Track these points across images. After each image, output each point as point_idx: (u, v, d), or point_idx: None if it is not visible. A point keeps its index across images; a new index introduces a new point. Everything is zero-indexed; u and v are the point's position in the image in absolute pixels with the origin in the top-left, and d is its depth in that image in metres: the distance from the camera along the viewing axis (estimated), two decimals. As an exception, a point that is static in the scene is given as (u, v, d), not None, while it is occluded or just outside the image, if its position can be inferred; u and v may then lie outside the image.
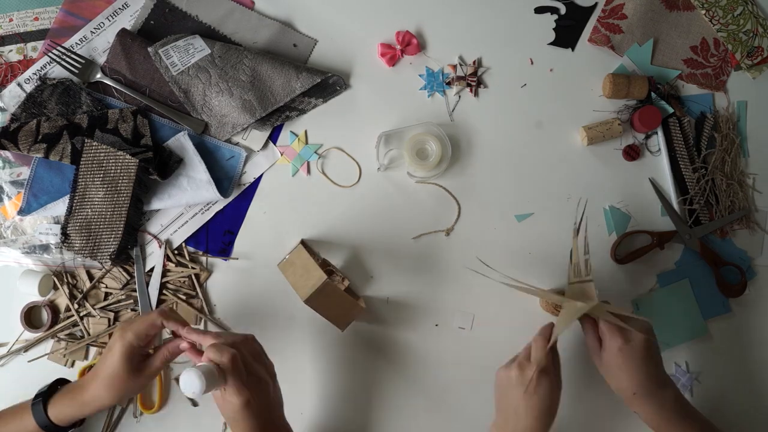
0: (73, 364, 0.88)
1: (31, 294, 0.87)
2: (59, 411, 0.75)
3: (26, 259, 0.89)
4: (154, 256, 0.90)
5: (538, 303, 0.91)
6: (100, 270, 0.89)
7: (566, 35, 0.96)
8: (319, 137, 0.93)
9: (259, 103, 0.89)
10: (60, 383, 0.80)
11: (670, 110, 0.94)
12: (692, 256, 0.93)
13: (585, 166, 0.94)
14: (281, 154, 0.93)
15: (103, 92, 0.91)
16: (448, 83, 0.94)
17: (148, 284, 0.89)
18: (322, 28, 0.95)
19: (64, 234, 0.86)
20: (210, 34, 0.92)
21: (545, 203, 0.93)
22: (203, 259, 0.91)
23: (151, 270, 0.90)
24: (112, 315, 0.89)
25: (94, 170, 0.86)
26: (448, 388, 0.90)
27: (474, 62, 0.95)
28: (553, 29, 0.96)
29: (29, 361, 0.88)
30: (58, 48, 0.90)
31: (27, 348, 0.89)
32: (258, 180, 0.92)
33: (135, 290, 0.89)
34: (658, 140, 0.94)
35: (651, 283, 0.93)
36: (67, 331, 0.89)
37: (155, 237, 0.90)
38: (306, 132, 0.93)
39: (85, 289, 0.89)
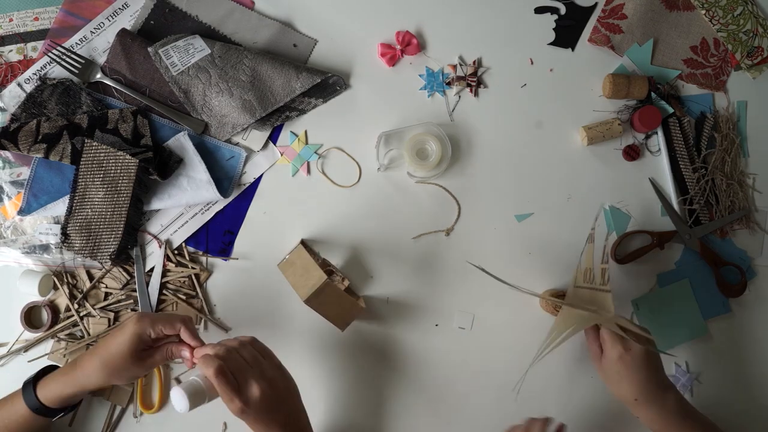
0: (73, 364, 0.88)
1: (31, 294, 0.87)
2: (49, 390, 0.76)
3: (26, 259, 0.89)
4: (154, 256, 0.90)
5: (537, 303, 0.91)
6: (100, 270, 0.89)
7: (566, 35, 0.96)
8: (319, 137, 0.93)
9: (259, 103, 0.89)
10: (51, 369, 0.80)
11: (670, 110, 0.94)
12: (692, 256, 0.93)
13: (585, 166, 0.94)
14: (281, 154, 0.93)
15: (103, 92, 0.91)
16: (448, 83, 0.94)
17: (148, 284, 0.89)
18: (322, 28, 0.95)
19: (64, 234, 0.86)
20: (210, 34, 0.92)
21: (545, 203, 0.93)
22: (203, 259, 0.91)
23: (151, 270, 0.90)
24: (112, 315, 0.89)
25: (94, 170, 0.86)
26: (448, 388, 0.90)
27: (474, 62, 0.95)
28: (553, 29, 0.96)
29: (29, 361, 0.88)
30: (58, 48, 0.90)
31: (27, 348, 0.89)
32: (258, 180, 0.92)
33: (135, 290, 0.89)
34: (658, 140, 0.94)
35: (651, 283, 0.92)
36: (67, 331, 0.89)
37: (155, 237, 0.90)
38: (306, 132, 0.93)
39: (85, 289, 0.89)
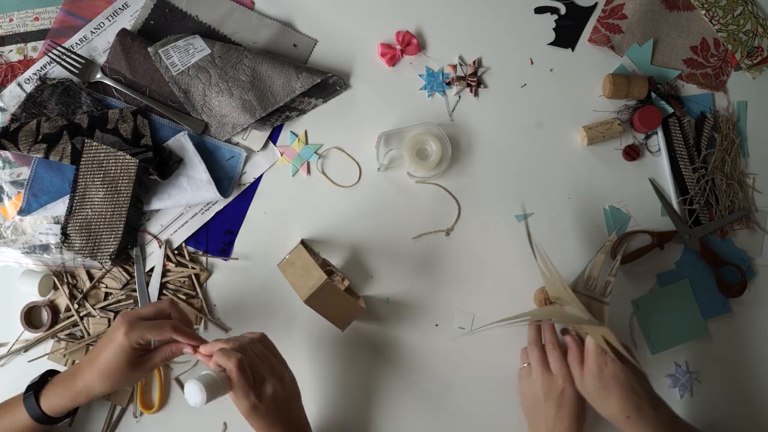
0: (73, 364, 0.88)
1: (31, 294, 0.87)
2: (51, 402, 0.75)
3: (26, 259, 0.89)
4: (154, 256, 0.90)
5: (532, 300, 0.91)
6: (100, 270, 0.89)
7: (566, 35, 0.96)
8: (319, 137, 0.93)
9: (259, 103, 0.89)
10: (50, 374, 0.79)
11: (670, 110, 0.94)
12: (692, 256, 0.93)
13: (585, 166, 0.94)
14: (281, 154, 0.93)
15: (103, 92, 0.91)
16: (448, 83, 0.94)
17: (148, 284, 0.89)
18: (322, 28, 0.95)
19: (64, 234, 0.86)
20: (210, 34, 0.92)
21: (545, 203, 0.93)
22: (203, 259, 0.91)
23: (151, 270, 0.90)
24: (112, 315, 0.89)
25: (94, 170, 0.86)
26: (448, 388, 0.90)
27: (474, 62, 0.95)
28: (553, 29, 0.96)
29: (29, 361, 0.88)
30: (58, 48, 0.90)
31: (27, 348, 0.89)
32: (258, 180, 0.92)
33: (135, 290, 0.89)
34: (658, 140, 0.94)
35: (651, 283, 0.92)
36: (67, 331, 0.89)
37: (155, 237, 0.90)
38: (306, 132, 0.93)
39: (85, 289, 0.89)
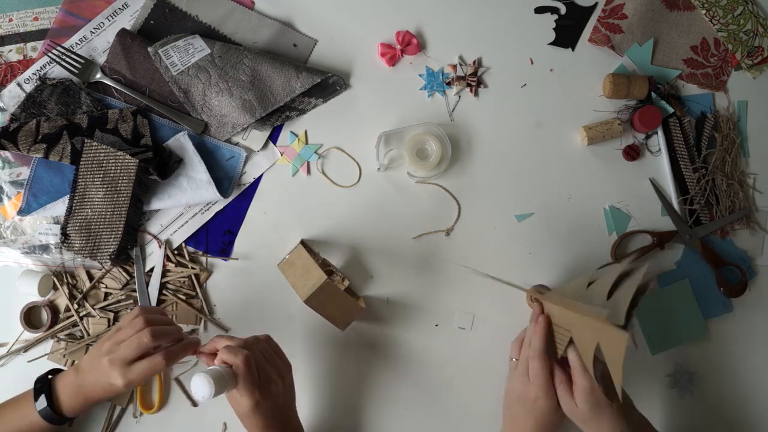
0: (73, 365, 0.88)
1: (31, 294, 0.87)
2: (61, 403, 0.76)
3: (26, 259, 0.89)
4: (154, 256, 0.90)
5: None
6: (100, 270, 0.89)
7: (566, 35, 0.96)
8: (319, 137, 0.93)
9: (259, 103, 0.89)
10: (53, 373, 0.80)
11: (671, 110, 0.93)
12: (693, 256, 0.93)
13: (585, 166, 0.94)
14: (281, 154, 0.92)
15: (103, 92, 0.91)
16: (448, 83, 0.94)
17: (147, 284, 0.89)
18: (322, 28, 0.95)
19: (64, 234, 0.86)
20: (210, 34, 0.92)
21: (545, 203, 0.93)
22: (203, 259, 0.91)
23: (151, 270, 0.90)
24: (111, 315, 0.89)
25: (94, 170, 0.86)
26: (448, 388, 0.90)
27: (474, 62, 0.95)
28: (553, 29, 0.96)
29: (29, 361, 0.88)
30: (58, 48, 0.90)
31: (27, 348, 0.89)
32: (258, 180, 0.92)
33: (135, 290, 0.89)
34: (659, 140, 0.94)
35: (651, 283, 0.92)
36: (66, 332, 0.88)
37: (155, 237, 0.90)
38: (306, 132, 0.93)
39: (84, 289, 0.89)
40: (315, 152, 0.93)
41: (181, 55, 0.88)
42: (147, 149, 0.88)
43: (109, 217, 0.86)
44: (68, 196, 0.87)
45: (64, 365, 0.88)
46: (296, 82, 0.89)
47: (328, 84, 0.93)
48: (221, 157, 0.91)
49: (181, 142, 0.90)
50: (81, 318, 0.88)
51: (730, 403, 0.92)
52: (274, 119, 0.92)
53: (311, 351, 0.90)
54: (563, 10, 0.96)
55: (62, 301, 0.89)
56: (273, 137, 0.93)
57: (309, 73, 0.90)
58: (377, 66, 0.94)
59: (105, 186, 0.85)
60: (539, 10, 0.96)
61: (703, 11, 0.96)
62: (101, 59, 0.91)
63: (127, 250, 0.88)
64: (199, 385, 0.68)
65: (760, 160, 0.95)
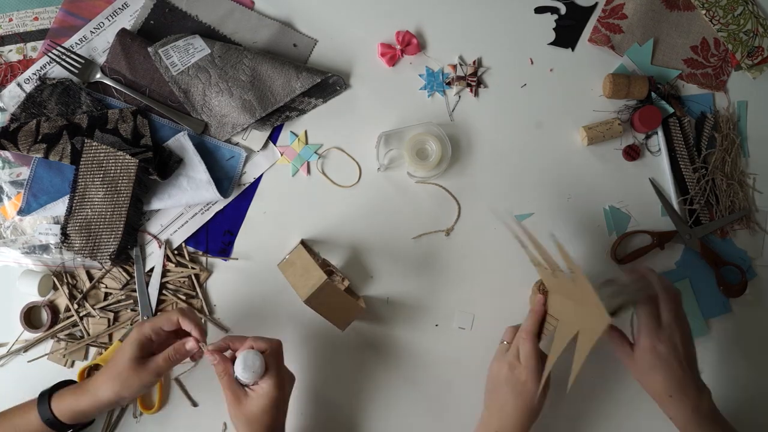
0: (72, 365, 0.88)
1: (31, 294, 0.87)
2: (63, 403, 0.76)
3: (26, 259, 0.89)
4: (154, 256, 0.90)
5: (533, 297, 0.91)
6: (100, 270, 0.89)
7: (566, 35, 0.96)
8: (319, 137, 0.93)
9: (259, 103, 0.89)
10: (67, 383, 0.80)
11: (671, 110, 0.94)
12: (692, 256, 0.93)
13: (585, 166, 0.94)
14: (281, 154, 0.92)
15: (102, 92, 0.91)
16: (448, 83, 0.94)
17: (147, 284, 0.89)
18: (322, 28, 0.95)
19: (64, 234, 0.86)
20: (210, 34, 0.92)
21: (545, 203, 0.93)
22: (203, 259, 0.91)
23: (151, 270, 0.90)
24: (111, 315, 0.89)
25: (94, 170, 0.86)
26: (448, 388, 0.90)
27: (474, 62, 0.95)
28: (553, 29, 0.96)
29: (29, 362, 0.88)
30: (58, 48, 0.90)
31: (27, 348, 0.89)
32: (258, 180, 0.92)
33: (135, 290, 0.89)
34: (658, 140, 0.94)
35: (651, 283, 0.92)
36: (66, 332, 0.88)
37: (155, 237, 0.90)
38: (306, 132, 0.93)
39: (84, 289, 0.89)
40: (315, 152, 0.93)
41: (181, 55, 0.88)
42: (147, 149, 0.88)
43: (109, 217, 0.86)
44: (68, 196, 0.87)
45: (64, 365, 0.88)
46: (296, 82, 0.89)
47: (328, 84, 0.93)
48: (221, 157, 0.91)
49: (181, 142, 0.90)
50: (81, 318, 0.88)
51: (730, 403, 0.91)
52: (274, 119, 0.92)
53: (311, 351, 0.90)
54: (563, 10, 0.96)
55: (62, 301, 0.89)
56: (273, 137, 0.93)
57: (309, 73, 0.90)
58: (377, 66, 0.94)
59: (105, 186, 0.85)
60: (539, 10, 0.96)
61: (703, 11, 0.96)
62: (101, 59, 0.91)
63: (127, 250, 0.88)
64: (250, 361, 0.71)
65: (759, 160, 0.95)
